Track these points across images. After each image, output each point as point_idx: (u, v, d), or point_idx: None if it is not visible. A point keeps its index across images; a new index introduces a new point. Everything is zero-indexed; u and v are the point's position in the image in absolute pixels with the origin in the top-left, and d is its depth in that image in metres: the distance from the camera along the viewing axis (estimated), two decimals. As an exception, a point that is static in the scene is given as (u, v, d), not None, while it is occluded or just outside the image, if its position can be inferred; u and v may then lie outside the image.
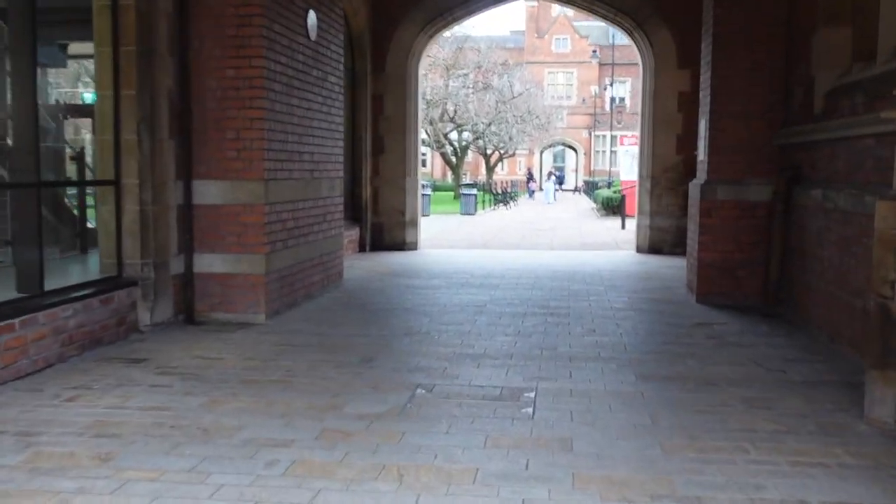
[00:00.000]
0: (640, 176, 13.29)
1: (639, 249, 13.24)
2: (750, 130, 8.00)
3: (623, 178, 24.42)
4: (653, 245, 13.07)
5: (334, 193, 8.81)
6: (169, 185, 6.60)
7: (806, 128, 7.02)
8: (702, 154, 8.43)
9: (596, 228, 20.25)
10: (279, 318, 7.04)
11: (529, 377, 5.07)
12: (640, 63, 13.17)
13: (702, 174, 8.38)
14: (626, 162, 24.10)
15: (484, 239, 16.88)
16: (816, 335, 6.35)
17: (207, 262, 6.90)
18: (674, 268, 11.03)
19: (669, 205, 13.02)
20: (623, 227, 19.18)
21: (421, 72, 14.05)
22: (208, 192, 6.87)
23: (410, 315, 7.34)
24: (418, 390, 4.75)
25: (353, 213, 13.25)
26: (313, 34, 7.90)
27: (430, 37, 13.50)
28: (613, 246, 15.13)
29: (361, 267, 10.94)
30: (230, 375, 5.09)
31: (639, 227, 13.35)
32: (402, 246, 13.50)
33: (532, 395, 4.66)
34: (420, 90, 13.80)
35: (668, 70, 12.85)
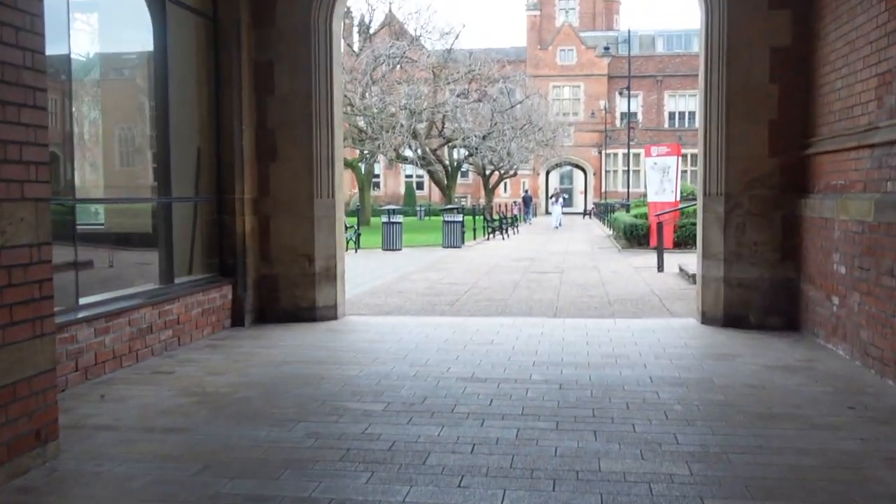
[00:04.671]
0: (706, 194, 7.81)
1: (705, 318, 7.75)
2: None
3: (651, 198, 18.77)
4: (730, 311, 7.60)
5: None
6: None
7: None
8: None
9: (621, 269, 14.52)
10: None
11: None
12: (701, 2, 7.75)
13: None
14: (654, 179, 18.48)
15: (455, 293, 11.25)
16: None
17: None
18: (801, 372, 5.54)
19: (759, 242, 7.56)
20: (660, 268, 13.60)
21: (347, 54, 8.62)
22: None
23: None
24: None
25: (221, 258, 7.83)
26: None
27: (351, -34, 8.12)
28: (658, 307, 9.55)
29: (172, 383, 5.45)
30: None
31: (705, 279, 7.85)
32: (310, 314, 8.05)
33: None
34: (338, 58, 8.39)
35: (751, 10, 7.45)
